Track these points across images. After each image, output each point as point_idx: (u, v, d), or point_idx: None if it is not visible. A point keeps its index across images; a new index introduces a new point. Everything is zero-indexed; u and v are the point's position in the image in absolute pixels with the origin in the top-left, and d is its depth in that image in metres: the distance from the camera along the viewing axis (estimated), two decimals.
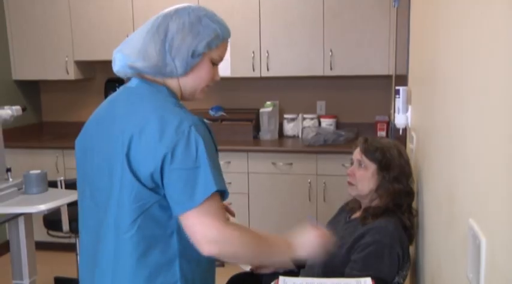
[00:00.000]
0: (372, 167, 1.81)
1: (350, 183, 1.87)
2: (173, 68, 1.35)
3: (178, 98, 1.41)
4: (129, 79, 1.44)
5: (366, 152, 1.83)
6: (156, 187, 1.28)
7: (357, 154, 1.86)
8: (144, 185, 1.26)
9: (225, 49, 1.44)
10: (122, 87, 1.45)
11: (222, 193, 1.31)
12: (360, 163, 1.84)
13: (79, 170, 1.46)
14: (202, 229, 1.26)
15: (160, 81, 1.38)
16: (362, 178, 1.82)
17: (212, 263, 1.46)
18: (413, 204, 1.85)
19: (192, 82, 1.40)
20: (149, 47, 1.34)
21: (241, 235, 1.33)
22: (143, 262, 1.30)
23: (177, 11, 1.37)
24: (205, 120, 1.37)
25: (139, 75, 1.39)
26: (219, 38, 1.39)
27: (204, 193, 1.24)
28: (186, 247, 1.33)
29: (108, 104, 1.44)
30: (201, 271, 1.39)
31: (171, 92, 1.39)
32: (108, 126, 1.36)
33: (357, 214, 1.89)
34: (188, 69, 1.36)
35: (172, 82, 1.39)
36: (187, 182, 1.24)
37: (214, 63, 1.42)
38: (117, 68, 1.40)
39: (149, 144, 1.25)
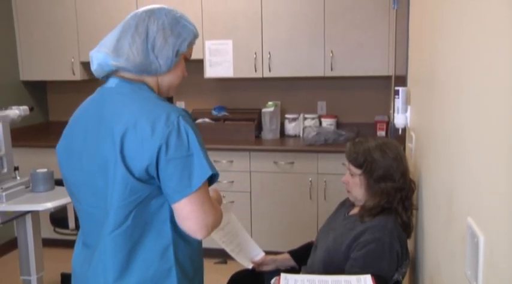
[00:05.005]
0: (357, 173, 1.84)
1: (348, 191, 1.92)
2: (157, 66, 1.41)
3: (157, 94, 1.46)
4: (104, 80, 1.46)
5: (350, 159, 1.86)
6: (150, 179, 1.31)
7: (346, 162, 1.90)
8: (137, 179, 1.30)
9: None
10: (99, 89, 1.46)
11: (211, 178, 1.36)
12: (349, 171, 1.88)
13: (66, 177, 1.46)
14: (202, 216, 1.32)
15: (138, 78, 1.41)
16: (353, 185, 1.86)
17: (200, 243, 1.51)
18: (413, 199, 1.86)
19: (169, 79, 1.47)
20: (132, 46, 1.37)
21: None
22: (138, 250, 1.35)
23: (152, 12, 1.41)
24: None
25: (117, 74, 1.42)
26: (196, 38, 1.49)
27: (201, 177, 1.30)
28: (180, 233, 1.38)
29: (89, 107, 1.46)
30: (192, 252, 1.45)
31: (151, 88, 1.43)
32: (95, 129, 1.37)
33: (355, 210, 1.92)
34: (171, 67, 1.43)
35: (150, 80, 1.43)
36: (183, 169, 1.29)
37: (187, 60, 1.51)
38: (95, 67, 1.42)
39: (143, 139, 1.28)
